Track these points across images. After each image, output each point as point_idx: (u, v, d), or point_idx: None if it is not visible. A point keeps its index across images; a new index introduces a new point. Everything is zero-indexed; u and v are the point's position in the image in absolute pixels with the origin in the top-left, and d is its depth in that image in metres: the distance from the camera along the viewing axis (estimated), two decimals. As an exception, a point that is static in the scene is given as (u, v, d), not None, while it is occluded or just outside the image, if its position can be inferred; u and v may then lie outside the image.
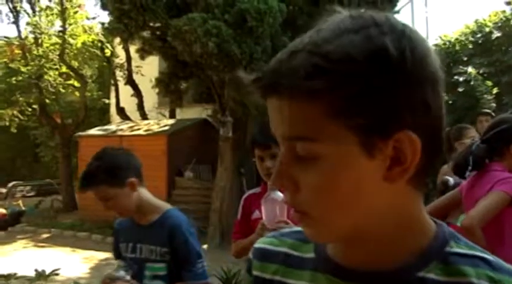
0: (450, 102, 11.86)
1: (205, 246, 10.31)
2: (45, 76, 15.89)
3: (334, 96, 0.64)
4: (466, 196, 2.80)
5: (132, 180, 2.35)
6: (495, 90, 12.62)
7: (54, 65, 16.00)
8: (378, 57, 0.64)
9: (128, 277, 2.24)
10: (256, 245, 0.94)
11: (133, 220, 2.47)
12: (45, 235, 12.13)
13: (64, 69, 15.95)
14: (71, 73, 15.97)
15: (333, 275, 0.79)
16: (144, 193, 2.45)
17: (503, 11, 14.29)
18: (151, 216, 2.43)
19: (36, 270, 4.53)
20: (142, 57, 11.21)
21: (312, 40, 0.68)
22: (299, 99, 0.66)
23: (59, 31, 15.60)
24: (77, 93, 16.60)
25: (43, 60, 15.61)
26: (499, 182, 2.49)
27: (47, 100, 16.41)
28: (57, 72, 16.35)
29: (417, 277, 0.73)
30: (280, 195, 2.49)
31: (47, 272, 5.64)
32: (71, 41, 15.54)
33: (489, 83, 12.56)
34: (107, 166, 2.32)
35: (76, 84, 16.38)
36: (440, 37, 14.35)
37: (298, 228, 0.91)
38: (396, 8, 12.11)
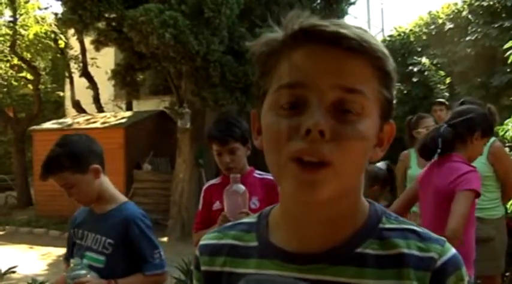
0: (405, 92, 12.05)
1: (165, 239, 10.24)
2: (-4, 69, 15.40)
3: (384, 65, 0.80)
4: (423, 183, 2.89)
5: (96, 166, 2.32)
6: (448, 80, 12.94)
7: (5, 56, 15.50)
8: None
9: (89, 275, 2.21)
10: (201, 242, 0.98)
11: (91, 208, 2.44)
12: (-1, 233, 11.82)
13: (16, 61, 15.44)
14: (23, 65, 15.47)
15: (280, 260, 0.84)
16: (106, 181, 2.41)
17: (455, 3, 14.65)
18: (107, 206, 2.38)
19: (-9, 268, 4.42)
20: (97, 49, 10.96)
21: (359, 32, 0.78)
22: (364, 60, 0.77)
23: (9, 21, 15.06)
24: (30, 86, 16.10)
25: (-8, 52, 15.11)
26: (460, 179, 2.60)
27: (-1, 94, 15.93)
28: (8, 64, 15.86)
29: (355, 253, 0.81)
30: (242, 187, 2.50)
31: (3, 271, 5.52)
32: (23, 31, 15.01)
33: (442, 73, 12.86)
34: (70, 152, 2.26)
35: (29, 76, 15.89)
36: (395, 28, 14.58)
37: (241, 220, 0.97)
38: (352, 0, 12.21)
